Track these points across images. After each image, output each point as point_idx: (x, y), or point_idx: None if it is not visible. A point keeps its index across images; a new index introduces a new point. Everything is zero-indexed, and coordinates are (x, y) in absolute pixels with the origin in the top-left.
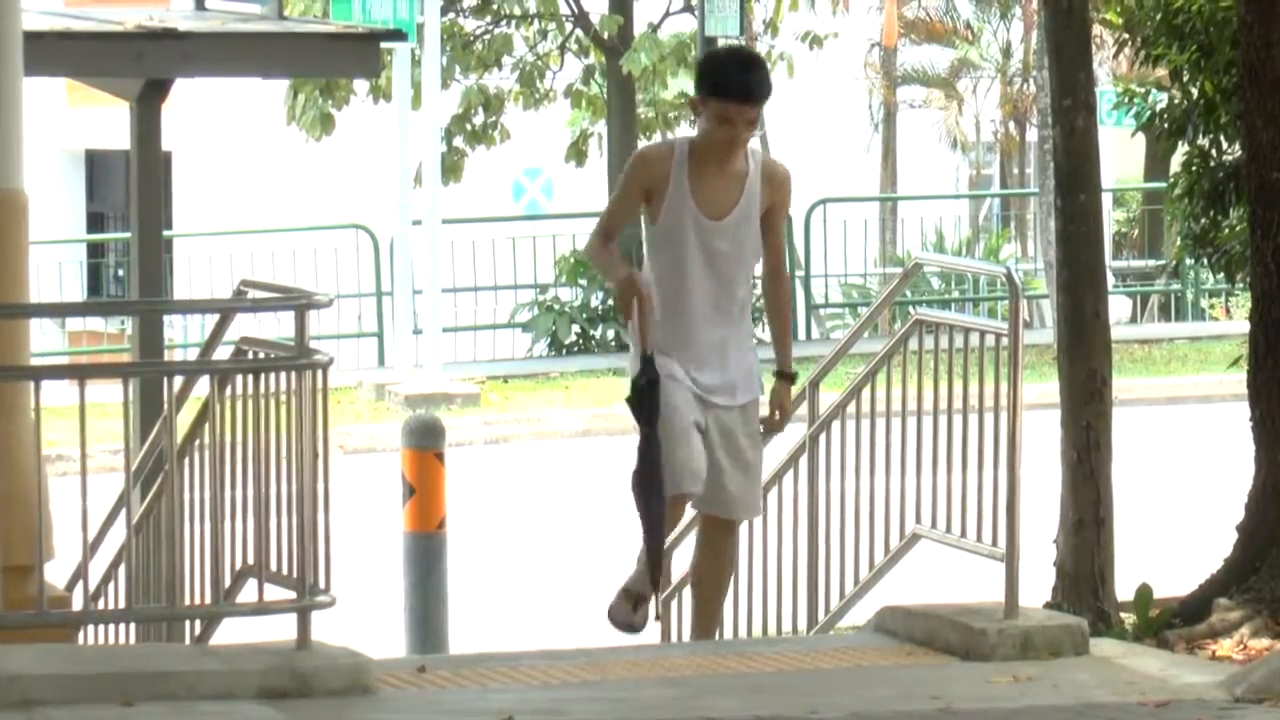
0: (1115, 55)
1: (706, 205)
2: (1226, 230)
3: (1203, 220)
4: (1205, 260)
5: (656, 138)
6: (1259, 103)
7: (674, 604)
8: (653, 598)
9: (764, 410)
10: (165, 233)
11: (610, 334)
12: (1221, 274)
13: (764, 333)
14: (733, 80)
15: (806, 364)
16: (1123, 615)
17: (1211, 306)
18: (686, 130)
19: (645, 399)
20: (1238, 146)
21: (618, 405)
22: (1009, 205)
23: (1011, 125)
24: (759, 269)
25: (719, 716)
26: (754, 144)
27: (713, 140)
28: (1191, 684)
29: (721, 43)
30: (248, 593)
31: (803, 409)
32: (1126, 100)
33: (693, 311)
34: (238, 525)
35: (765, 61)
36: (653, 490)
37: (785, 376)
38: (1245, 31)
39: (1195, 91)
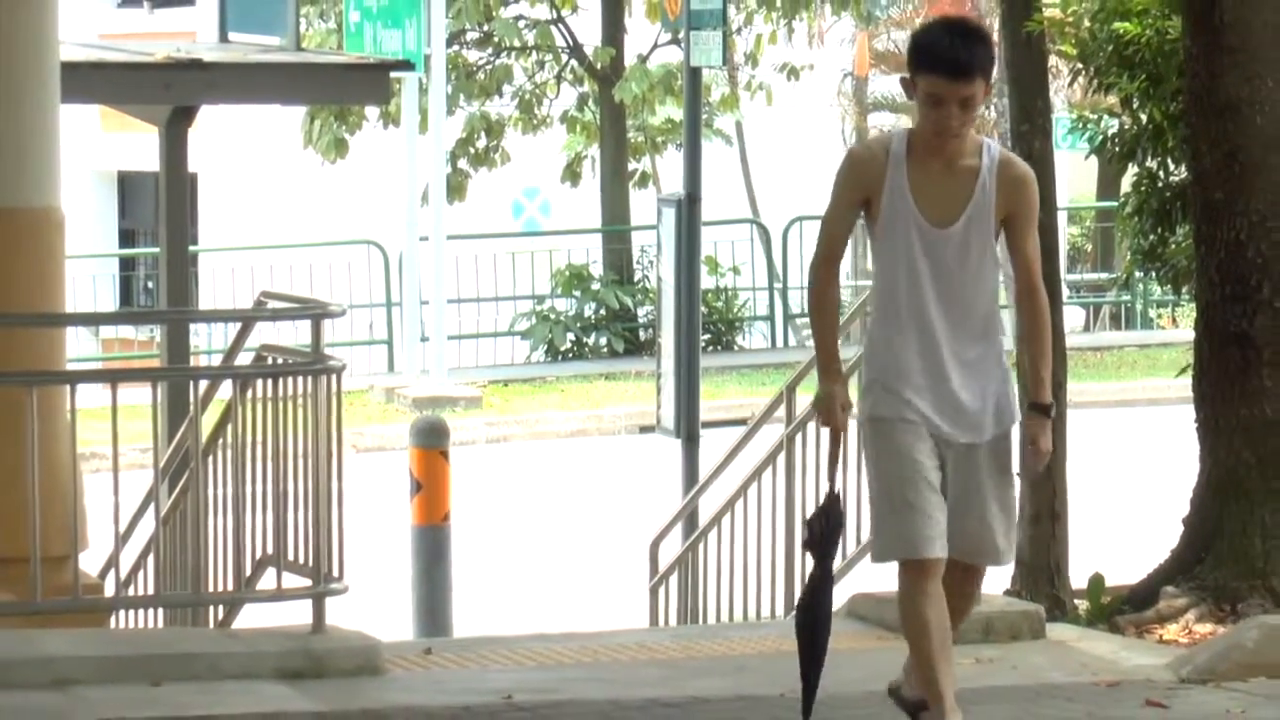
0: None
1: (929, 208)
2: (1173, 246)
3: (1151, 237)
4: (1154, 273)
5: (645, 161)
6: (1204, 128)
7: (660, 591)
8: None
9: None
10: (191, 248)
11: (602, 341)
12: (1169, 286)
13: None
14: (944, 51)
15: (786, 369)
16: (1077, 602)
17: (1159, 316)
18: (673, 154)
19: (824, 539)
20: (1184, 168)
21: (609, 407)
22: None
23: None
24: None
25: (704, 695)
26: (989, 140)
27: (924, 125)
28: (1140, 665)
29: (706, 74)
30: (267, 580)
31: (780, 411)
32: (1080, 125)
33: (923, 336)
34: (258, 518)
35: (988, 34)
36: (817, 631)
37: (1039, 408)
38: (1191, 62)
39: (1144, 117)
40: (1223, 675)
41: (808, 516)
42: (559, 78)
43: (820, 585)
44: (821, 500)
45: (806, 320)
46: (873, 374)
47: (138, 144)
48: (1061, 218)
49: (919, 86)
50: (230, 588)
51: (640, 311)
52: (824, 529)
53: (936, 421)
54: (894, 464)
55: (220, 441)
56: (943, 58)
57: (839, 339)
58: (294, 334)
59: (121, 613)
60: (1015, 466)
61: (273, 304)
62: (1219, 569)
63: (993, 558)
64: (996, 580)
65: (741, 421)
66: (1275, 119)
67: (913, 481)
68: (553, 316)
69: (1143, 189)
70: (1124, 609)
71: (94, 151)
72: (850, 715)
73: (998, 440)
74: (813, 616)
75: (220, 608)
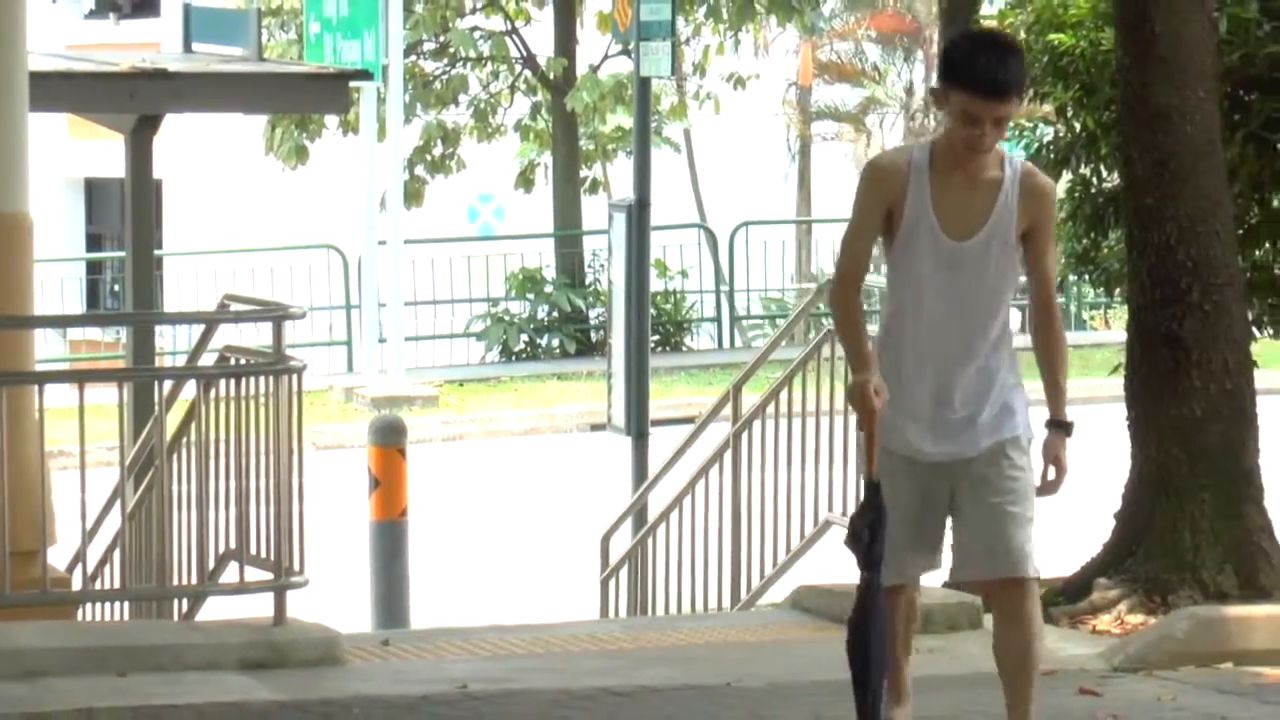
0: None
1: (949, 221)
2: (1106, 250)
3: (1085, 241)
4: (1087, 276)
5: (596, 168)
6: (1135, 136)
7: (611, 583)
8: None
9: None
10: (156, 252)
11: (555, 342)
12: (1102, 289)
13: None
14: (982, 70)
15: (731, 370)
16: None
17: (1092, 318)
18: (624, 161)
19: (870, 537)
20: (1116, 175)
21: (561, 406)
22: None
23: None
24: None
25: (652, 684)
26: (1013, 151)
27: (954, 141)
28: (1075, 655)
29: (655, 83)
30: (230, 574)
31: (727, 409)
32: (1016, 133)
33: (933, 353)
34: (221, 514)
35: (1022, 49)
36: (871, 643)
37: (1058, 425)
38: (1123, 72)
39: (1078, 126)
40: (1154, 664)
41: (850, 514)
42: (513, 87)
43: (869, 599)
44: (861, 495)
45: (752, 322)
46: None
47: (104, 151)
48: None
49: (952, 101)
50: (194, 581)
51: (591, 313)
52: (869, 526)
53: (934, 449)
54: (889, 497)
55: (184, 440)
56: (981, 77)
57: (867, 338)
58: (256, 335)
59: (89, 606)
60: (1030, 478)
61: (235, 306)
62: (1150, 562)
63: (1011, 566)
64: (935, 573)
65: (689, 420)
66: (1204, 127)
67: (894, 520)
68: (507, 318)
69: (1076, 195)
70: (1058, 600)
71: (62, 158)
72: (797, 703)
73: (998, 449)
74: (864, 638)
75: (184, 601)
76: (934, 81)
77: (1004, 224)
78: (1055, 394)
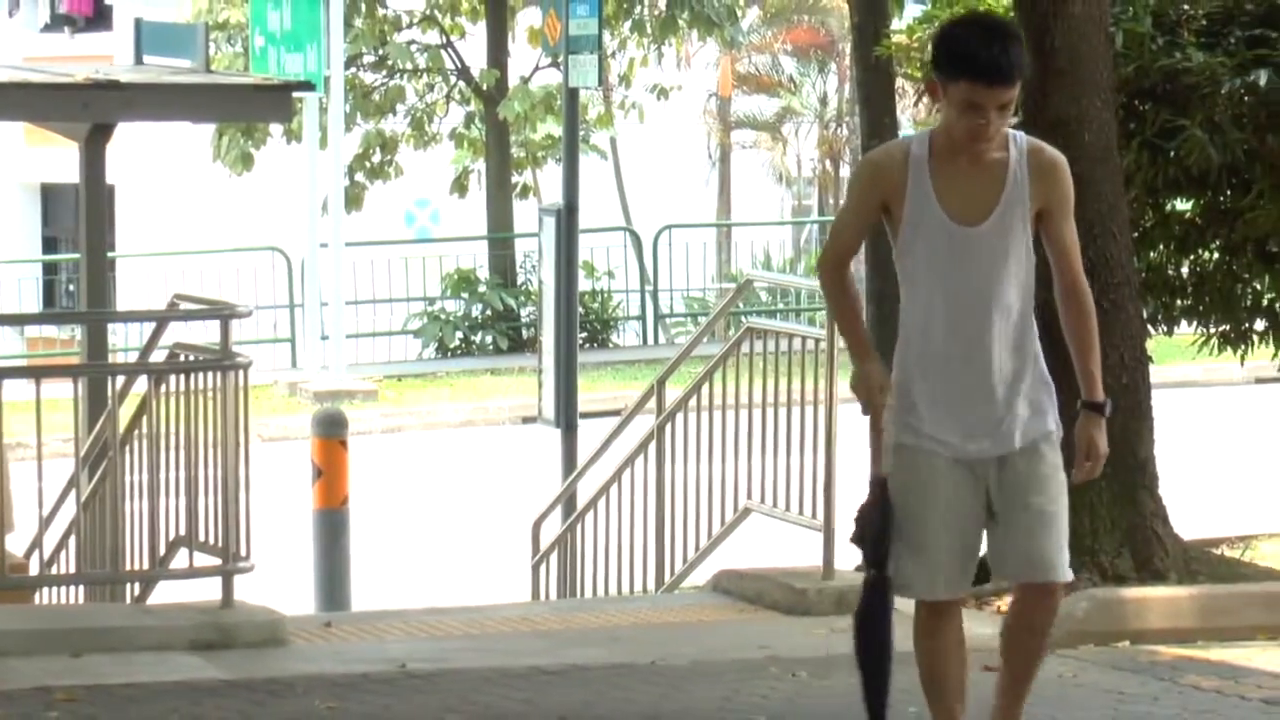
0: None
1: (957, 208)
2: None
3: None
4: None
5: (527, 174)
6: None
7: (542, 568)
8: None
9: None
10: (109, 254)
11: (488, 339)
12: None
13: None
14: (983, 57)
15: (655, 365)
16: None
17: None
18: (553, 168)
19: (876, 534)
20: None
21: (495, 400)
22: (825, 230)
23: (828, 163)
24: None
25: (581, 663)
26: (1015, 131)
27: (955, 132)
28: (980, 634)
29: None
30: (179, 560)
31: (652, 403)
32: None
33: (954, 347)
34: (171, 502)
35: (1019, 31)
36: (879, 647)
37: (1093, 408)
38: (1025, 84)
39: None
40: (1055, 643)
41: (858, 510)
42: (448, 98)
43: (876, 599)
44: (867, 490)
45: (676, 320)
46: (898, 396)
47: (59, 158)
48: None
49: (951, 92)
50: (146, 566)
51: (523, 312)
52: (876, 522)
53: (962, 445)
54: (911, 499)
55: (136, 432)
56: (983, 64)
57: (864, 324)
58: (204, 333)
59: (45, 590)
60: (1063, 477)
61: (185, 306)
62: None
63: (1045, 572)
64: (849, 556)
65: (615, 412)
66: (1101, 136)
67: (925, 520)
68: (442, 316)
69: None
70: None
71: (19, 165)
72: (718, 681)
73: (1034, 446)
74: (873, 640)
75: (136, 585)
76: (908, 75)
77: (1016, 205)
78: (1088, 375)
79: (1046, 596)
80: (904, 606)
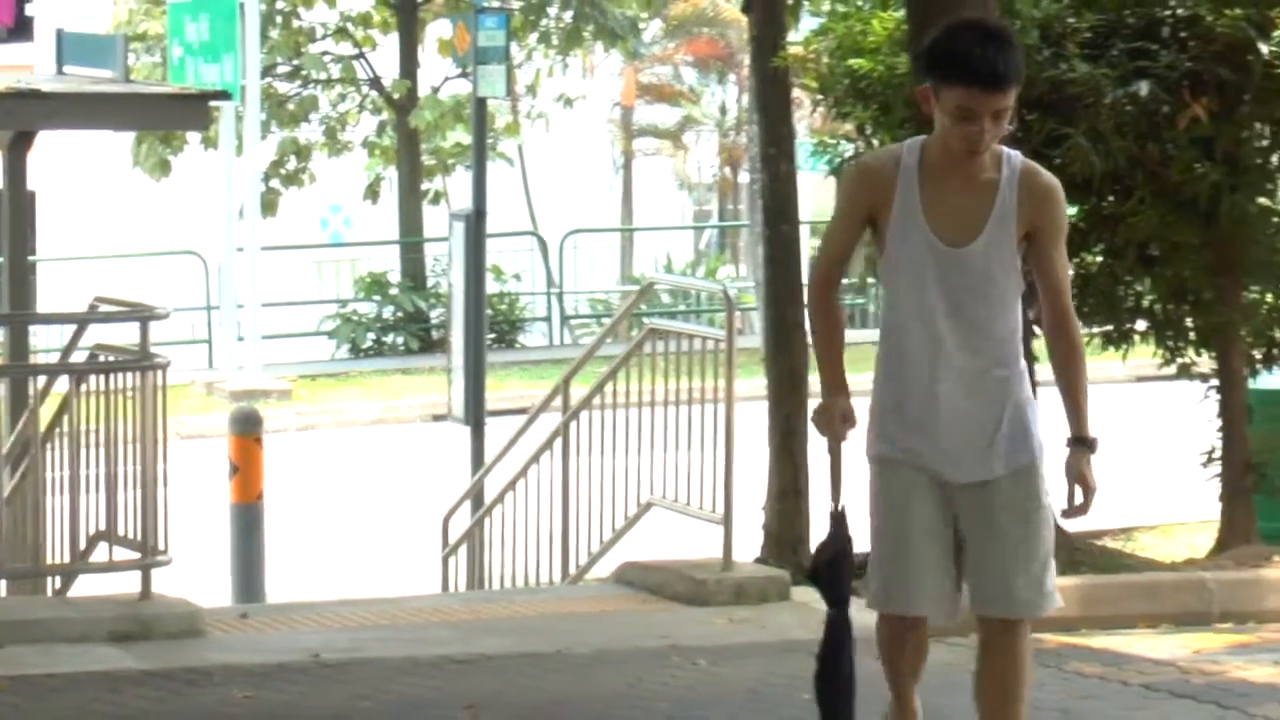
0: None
1: (944, 227)
2: None
3: None
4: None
5: (438, 180)
6: None
7: (451, 560)
8: None
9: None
10: (31, 258)
11: (399, 340)
12: None
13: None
14: (976, 60)
15: (561, 365)
16: None
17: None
18: (462, 175)
19: (832, 571)
20: None
21: (406, 398)
22: (725, 235)
23: (727, 170)
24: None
25: (489, 652)
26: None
27: (950, 141)
28: (871, 623)
29: (491, 103)
30: (100, 554)
31: (557, 401)
32: (821, 149)
33: (935, 367)
34: (91, 498)
35: (1015, 35)
36: (839, 688)
37: (1080, 442)
38: (915, 93)
39: (876, 142)
40: (943, 631)
41: (817, 547)
42: (360, 107)
43: (836, 637)
44: (831, 532)
45: (580, 321)
46: (876, 410)
47: None
48: (804, 231)
49: (944, 99)
50: (67, 560)
51: (433, 313)
52: (830, 561)
53: (938, 466)
54: (886, 513)
55: (57, 430)
56: (978, 69)
57: (843, 352)
58: (124, 334)
59: None
60: (1048, 504)
61: (105, 308)
62: None
63: (1011, 608)
64: (747, 549)
65: (522, 410)
66: None
67: (902, 536)
68: (355, 318)
69: None
70: (857, 573)
71: None
72: (620, 668)
73: (1015, 476)
74: (833, 683)
75: (58, 578)
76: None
77: (1003, 228)
78: (1076, 409)
79: (1005, 633)
80: (865, 635)
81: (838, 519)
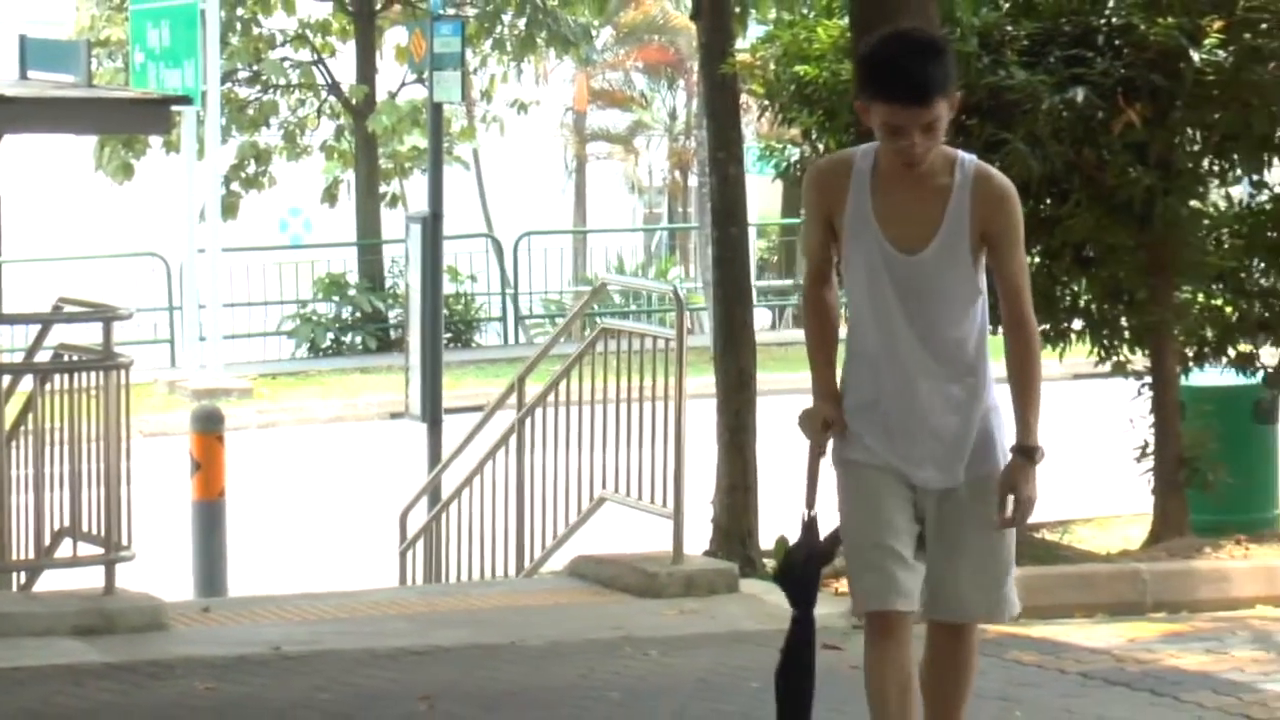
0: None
1: (896, 233)
2: None
3: None
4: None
5: (395, 184)
6: None
7: (409, 555)
8: None
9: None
10: None
11: (358, 339)
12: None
13: None
14: (898, 76)
15: (516, 364)
16: (765, 560)
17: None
18: (419, 178)
19: (801, 576)
20: None
21: (364, 397)
22: (675, 237)
23: (677, 173)
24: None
25: (445, 644)
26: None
27: (886, 156)
28: (820, 614)
29: (447, 108)
30: (64, 550)
31: (512, 399)
32: (768, 153)
33: (895, 372)
34: (56, 495)
35: (946, 44)
36: (799, 696)
37: (1023, 451)
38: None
39: (822, 147)
40: None
41: (789, 546)
42: (319, 112)
43: (799, 643)
44: (801, 536)
45: (534, 321)
46: (846, 408)
47: None
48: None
49: (873, 114)
50: (31, 556)
51: (390, 314)
52: (800, 564)
53: (905, 468)
54: (858, 514)
55: (22, 428)
56: (898, 83)
57: (835, 355)
58: (88, 334)
59: None
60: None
61: (69, 308)
62: None
63: (966, 614)
64: (697, 542)
65: (478, 408)
66: None
67: (874, 535)
68: (314, 318)
69: None
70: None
71: None
72: (573, 659)
73: (980, 484)
74: (794, 687)
75: (23, 574)
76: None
77: (956, 233)
78: (1022, 417)
79: (957, 637)
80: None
81: (808, 526)
